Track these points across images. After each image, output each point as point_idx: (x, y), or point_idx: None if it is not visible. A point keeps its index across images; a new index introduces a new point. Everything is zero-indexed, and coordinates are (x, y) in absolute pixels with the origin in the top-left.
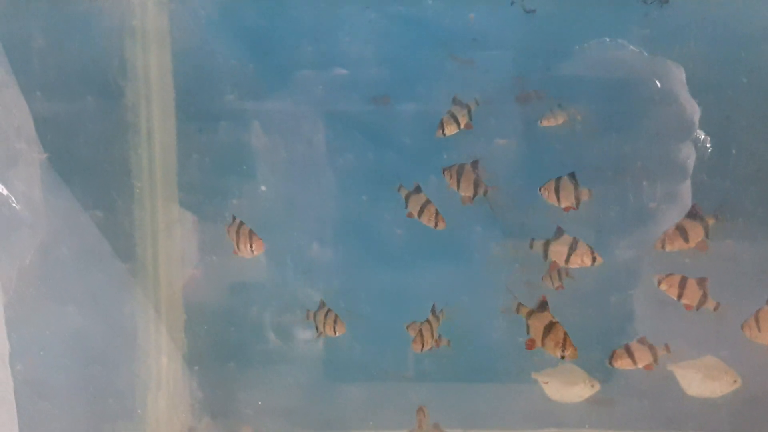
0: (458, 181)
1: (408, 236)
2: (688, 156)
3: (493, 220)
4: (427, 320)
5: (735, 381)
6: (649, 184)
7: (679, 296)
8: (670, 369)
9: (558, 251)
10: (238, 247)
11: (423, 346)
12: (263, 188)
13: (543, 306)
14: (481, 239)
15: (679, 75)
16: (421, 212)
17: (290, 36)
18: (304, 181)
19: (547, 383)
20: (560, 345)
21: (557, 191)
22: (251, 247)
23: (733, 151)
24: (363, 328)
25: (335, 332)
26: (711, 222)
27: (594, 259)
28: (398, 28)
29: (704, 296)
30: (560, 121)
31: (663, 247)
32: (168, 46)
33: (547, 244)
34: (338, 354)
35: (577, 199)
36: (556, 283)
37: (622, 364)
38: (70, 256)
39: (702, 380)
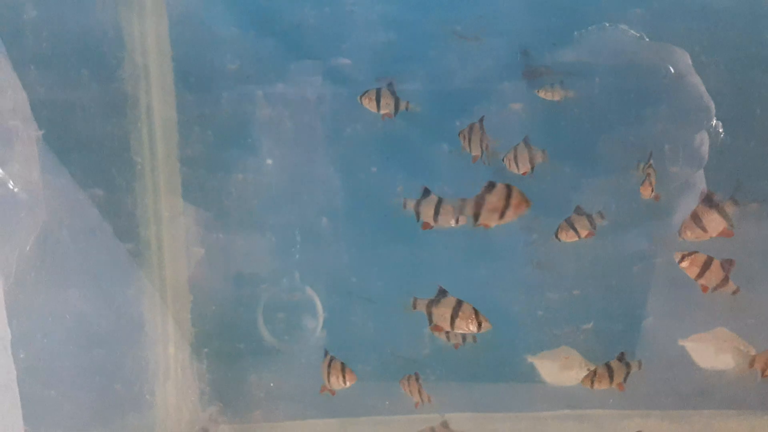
0: (470, 142)
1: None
2: (702, 143)
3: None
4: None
5: (747, 351)
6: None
7: (699, 276)
8: (682, 344)
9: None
10: (328, 381)
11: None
12: (269, 161)
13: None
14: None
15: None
16: (436, 215)
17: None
18: (311, 154)
19: (543, 366)
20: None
21: (515, 159)
22: (344, 380)
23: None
24: (373, 308)
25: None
26: (731, 209)
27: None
28: (404, 6)
29: (725, 279)
30: (556, 97)
31: (681, 236)
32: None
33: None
34: (349, 336)
35: (532, 163)
36: (584, 232)
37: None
38: (71, 241)
39: (714, 353)
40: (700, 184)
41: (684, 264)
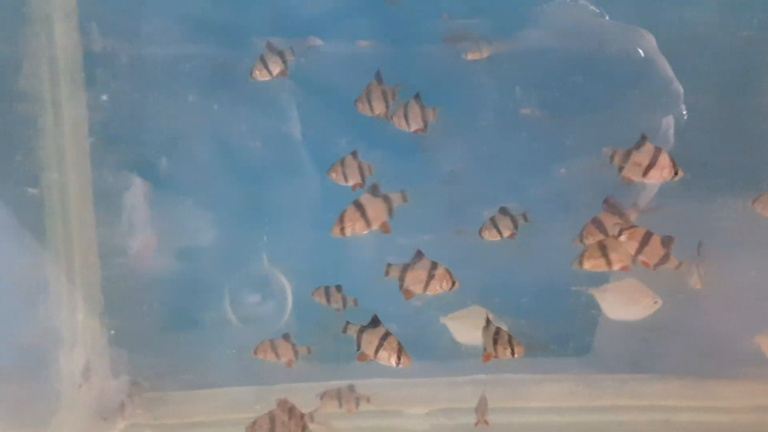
0: (370, 105)
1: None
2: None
3: (359, 132)
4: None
5: (655, 302)
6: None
7: (638, 252)
8: (592, 292)
9: (637, 163)
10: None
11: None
12: (104, 97)
13: (488, 322)
14: (348, 151)
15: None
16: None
17: None
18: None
19: (454, 327)
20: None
21: (406, 116)
22: (398, 359)
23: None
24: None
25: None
26: (633, 216)
27: (676, 173)
28: None
29: (666, 256)
30: (485, 54)
31: (582, 242)
32: None
33: (627, 155)
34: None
35: (425, 121)
36: (506, 232)
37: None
38: None
39: (623, 303)
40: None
41: (623, 238)
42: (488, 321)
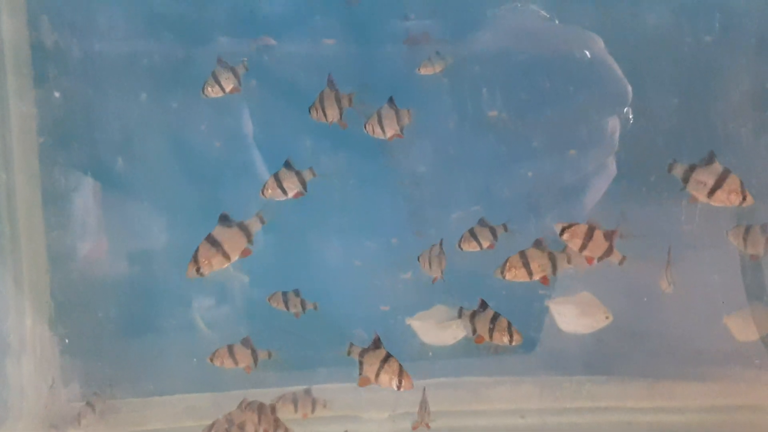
0: (324, 112)
1: (227, 150)
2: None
3: (323, 133)
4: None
5: (607, 317)
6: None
7: (582, 248)
8: (547, 305)
9: (701, 182)
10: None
11: None
12: (55, 94)
13: (484, 305)
14: (311, 153)
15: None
16: None
17: None
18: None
19: (420, 328)
20: (506, 333)
21: (380, 123)
22: (399, 383)
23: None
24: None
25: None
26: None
27: (744, 198)
28: None
29: (609, 249)
30: (438, 69)
31: (503, 275)
32: None
33: (690, 170)
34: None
35: (401, 125)
36: (486, 243)
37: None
38: None
39: (577, 316)
40: (612, 169)
41: (566, 236)
42: (482, 305)
